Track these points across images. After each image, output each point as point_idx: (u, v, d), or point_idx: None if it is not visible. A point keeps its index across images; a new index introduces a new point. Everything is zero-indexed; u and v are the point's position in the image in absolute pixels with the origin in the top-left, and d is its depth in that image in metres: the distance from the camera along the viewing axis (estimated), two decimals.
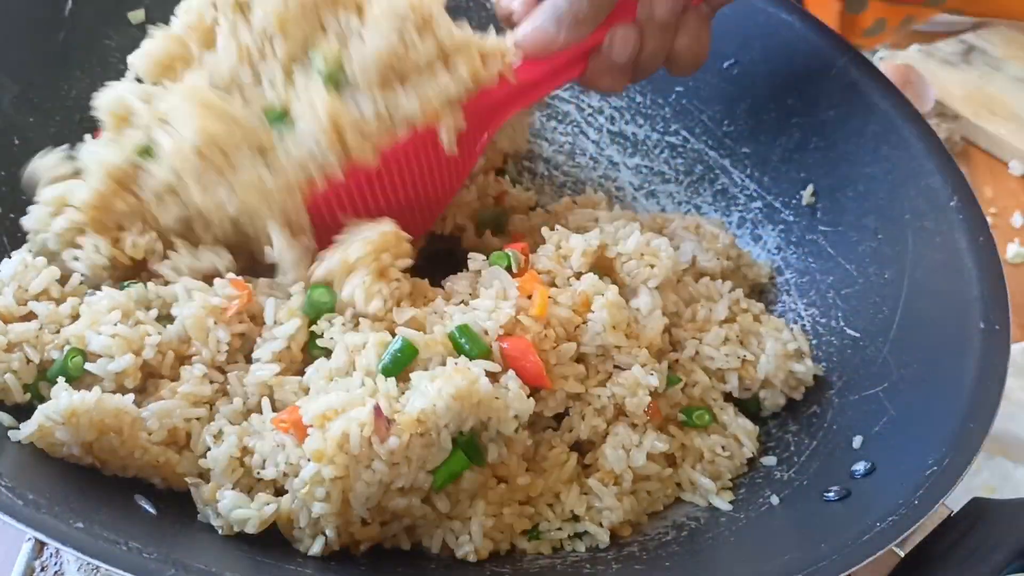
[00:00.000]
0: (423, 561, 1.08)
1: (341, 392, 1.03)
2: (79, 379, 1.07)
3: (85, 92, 1.44)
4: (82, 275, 1.18)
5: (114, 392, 1.05)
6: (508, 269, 1.21)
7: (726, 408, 1.26)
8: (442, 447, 1.02)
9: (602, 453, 1.16)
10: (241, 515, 1.00)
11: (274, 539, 1.03)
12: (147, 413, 1.04)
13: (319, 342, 1.13)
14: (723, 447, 1.22)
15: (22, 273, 1.13)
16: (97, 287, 1.17)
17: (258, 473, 1.03)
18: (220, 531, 1.02)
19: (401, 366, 1.06)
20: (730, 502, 1.19)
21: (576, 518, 1.13)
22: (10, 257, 1.21)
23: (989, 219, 1.30)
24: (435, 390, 1.00)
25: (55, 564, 1.16)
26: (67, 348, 1.08)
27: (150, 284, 1.18)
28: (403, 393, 1.03)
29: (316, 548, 1.01)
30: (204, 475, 1.06)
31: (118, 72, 1.50)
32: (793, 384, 1.29)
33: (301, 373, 1.13)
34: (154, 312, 1.15)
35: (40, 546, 1.18)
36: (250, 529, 1.01)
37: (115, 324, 1.09)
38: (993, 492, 1.40)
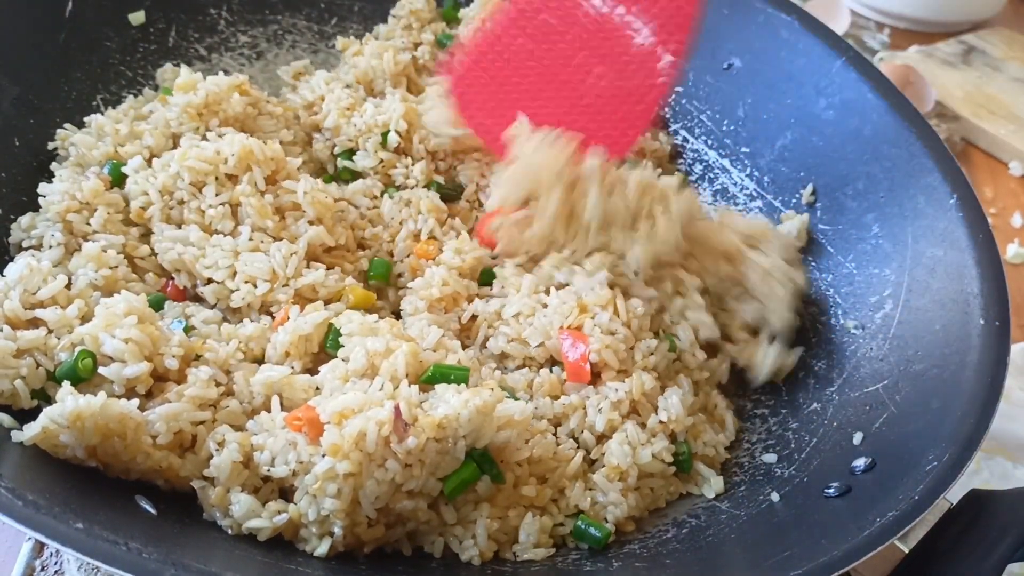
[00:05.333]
0: (424, 561, 1.08)
1: (359, 392, 1.04)
2: (87, 380, 1.07)
3: (85, 93, 1.46)
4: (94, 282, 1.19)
5: (122, 396, 1.05)
6: None
7: (711, 394, 1.32)
8: (455, 456, 1.04)
9: (608, 449, 1.17)
10: (254, 525, 1.01)
11: (277, 539, 1.03)
12: (153, 416, 1.04)
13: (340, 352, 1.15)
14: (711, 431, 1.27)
15: (28, 277, 1.13)
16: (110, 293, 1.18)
17: (268, 470, 1.04)
18: (229, 531, 1.02)
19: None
20: (729, 498, 1.19)
21: (581, 513, 1.13)
22: (12, 259, 1.23)
23: (989, 219, 1.30)
24: (461, 401, 1.03)
25: (55, 563, 1.16)
26: (78, 349, 1.07)
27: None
28: (420, 404, 1.05)
29: (323, 548, 1.01)
30: (209, 477, 1.06)
31: (118, 73, 1.52)
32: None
33: (309, 374, 1.15)
34: (168, 320, 1.17)
35: (40, 546, 1.18)
36: (261, 538, 1.01)
37: (131, 328, 1.09)
38: None
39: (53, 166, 1.34)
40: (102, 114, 1.43)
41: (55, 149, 1.37)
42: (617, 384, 1.20)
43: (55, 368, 1.08)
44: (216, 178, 1.28)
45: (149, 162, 1.32)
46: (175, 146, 1.35)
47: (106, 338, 1.08)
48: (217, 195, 1.27)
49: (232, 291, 1.22)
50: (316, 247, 1.29)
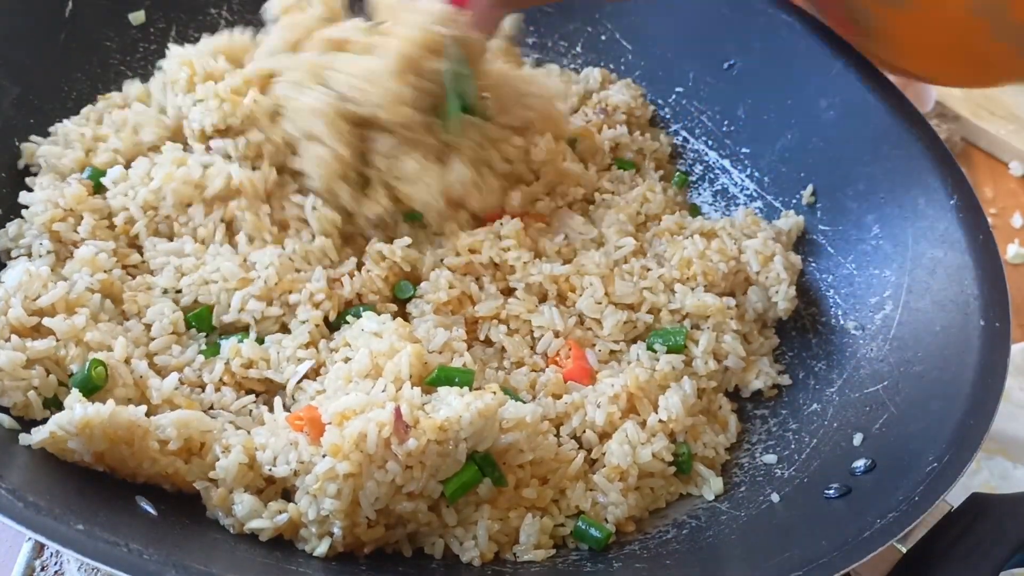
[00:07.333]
0: (424, 561, 1.08)
1: (361, 394, 1.04)
2: (102, 388, 1.07)
3: (85, 93, 1.46)
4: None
5: (129, 401, 1.06)
6: None
7: (715, 398, 1.31)
8: (456, 459, 1.04)
9: (609, 449, 1.17)
10: (256, 525, 1.02)
11: (277, 539, 1.03)
12: (165, 421, 1.04)
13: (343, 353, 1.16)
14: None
15: (27, 283, 1.12)
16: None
17: (269, 469, 1.04)
18: (231, 530, 1.03)
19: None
20: (729, 498, 1.19)
21: (581, 513, 1.14)
22: (11, 258, 1.23)
23: (989, 219, 1.30)
24: (463, 404, 1.03)
25: (55, 564, 1.16)
26: (90, 357, 1.07)
27: None
28: (422, 405, 1.05)
29: (322, 549, 1.02)
30: (213, 479, 1.06)
31: (118, 73, 1.52)
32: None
33: (314, 377, 1.16)
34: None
35: (40, 546, 1.18)
36: (263, 538, 1.02)
37: None
38: (993, 491, 1.39)
39: (29, 180, 1.31)
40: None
41: (28, 166, 1.33)
42: (612, 380, 1.20)
43: (68, 377, 1.08)
44: (203, 201, 1.25)
45: (127, 166, 1.29)
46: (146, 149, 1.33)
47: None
48: (207, 216, 1.25)
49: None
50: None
